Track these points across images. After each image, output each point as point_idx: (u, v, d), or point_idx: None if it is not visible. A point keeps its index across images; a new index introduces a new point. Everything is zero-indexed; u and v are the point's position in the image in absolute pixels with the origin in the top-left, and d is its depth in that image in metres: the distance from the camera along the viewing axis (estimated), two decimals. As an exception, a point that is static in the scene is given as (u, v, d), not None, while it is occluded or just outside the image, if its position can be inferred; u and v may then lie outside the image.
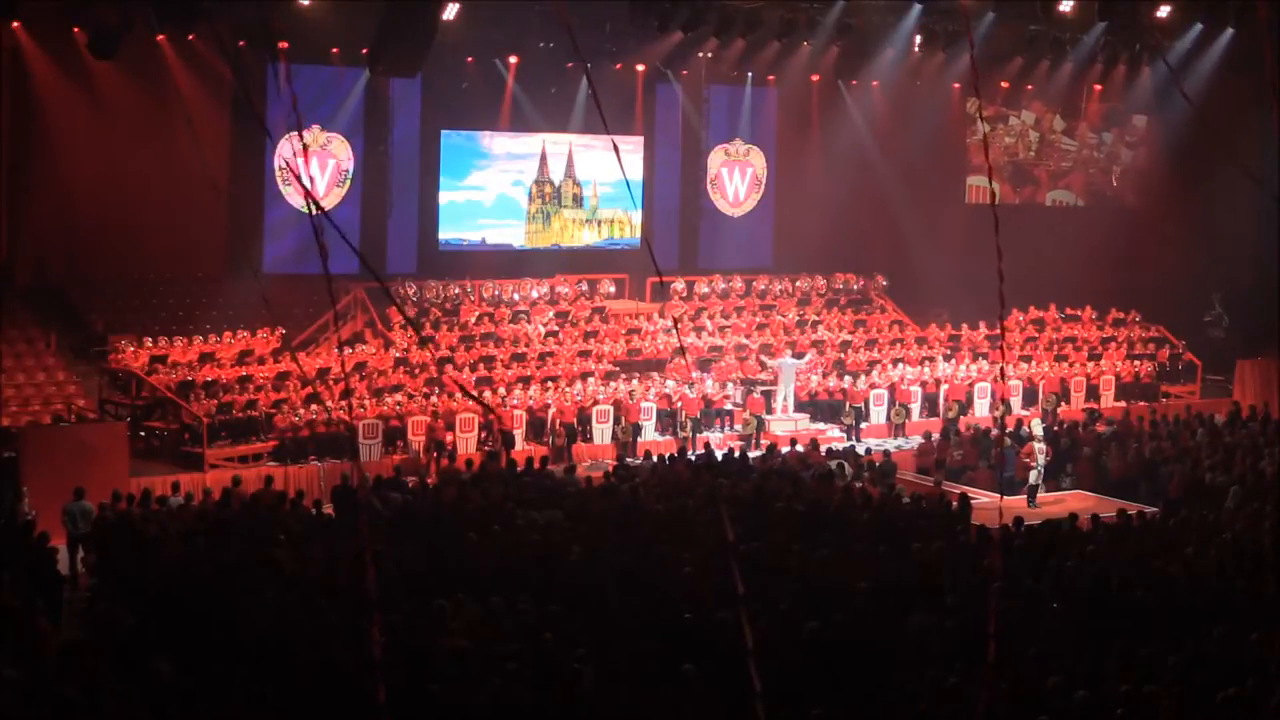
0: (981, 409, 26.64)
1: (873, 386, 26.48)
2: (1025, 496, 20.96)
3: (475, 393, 23.98)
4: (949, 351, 28.80)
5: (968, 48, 29.64)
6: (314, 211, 5.86)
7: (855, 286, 32.01)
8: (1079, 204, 35.66)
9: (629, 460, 22.47)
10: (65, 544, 17.07)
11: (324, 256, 5.69)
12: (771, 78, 32.04)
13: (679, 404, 25.09)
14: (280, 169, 27.53)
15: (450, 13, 25.79)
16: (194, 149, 24.02)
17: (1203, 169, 30.53)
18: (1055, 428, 24.21)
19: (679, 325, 28.43)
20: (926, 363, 28.00)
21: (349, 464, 21.62)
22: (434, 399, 23.77)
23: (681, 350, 25.40)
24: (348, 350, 25.61)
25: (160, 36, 25.36)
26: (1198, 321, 32.39)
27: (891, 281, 32.28)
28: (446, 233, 30.14)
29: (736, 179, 32.98)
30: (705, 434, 24.77)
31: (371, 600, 6.02)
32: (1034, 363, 28.24)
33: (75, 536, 17.19)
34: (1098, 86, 33.79)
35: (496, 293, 28.70)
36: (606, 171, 31.20)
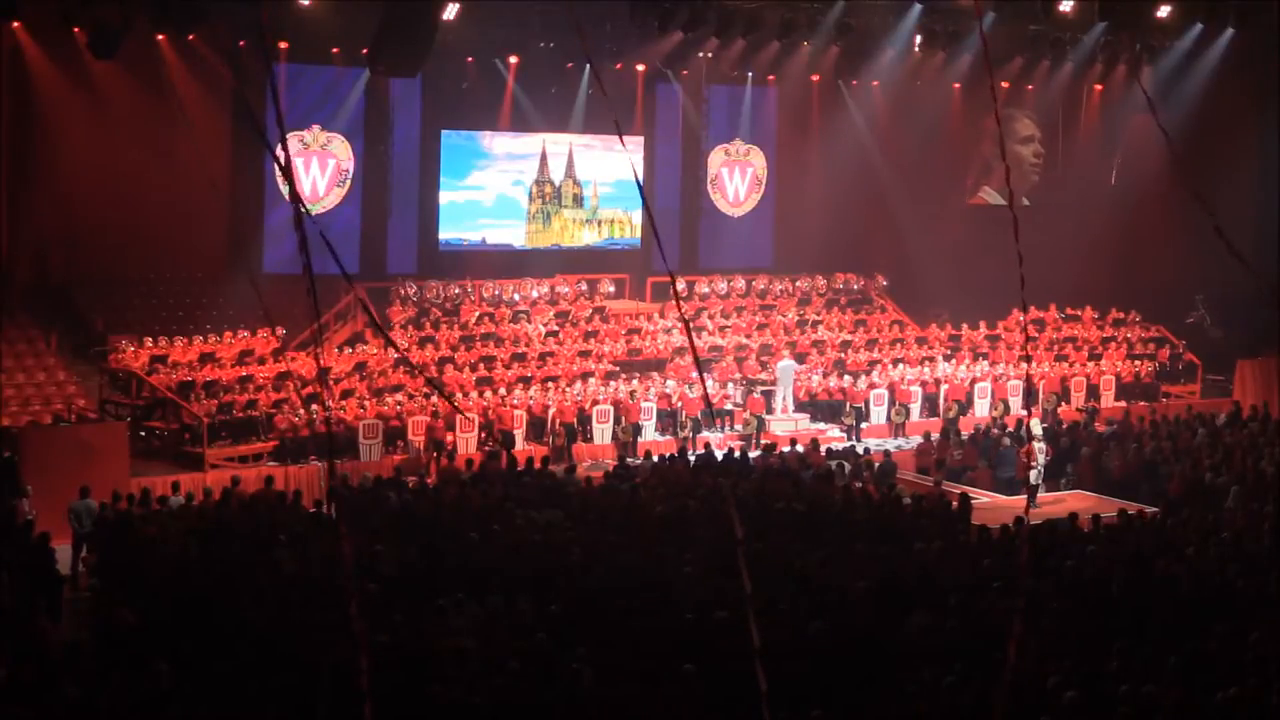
0: (981, 409, 26.64)
1: (873, 386, 26.48)
2: (1025, 496, 20.94)
3: (472, 392, 23.99)
4: (949, 351, 28.81)
5: (968, 48, 29.64)
6: (305, 215, 5.85)
7: (855, 286, 32.00)
8: (1075, 203, 35.59)
9: (629, 460, 22.46)
10: (70, 543, 17.06)
11: (306, 258, 5.69)
12: (771, 78, 32.04)
13: (679, 404, 25.10)
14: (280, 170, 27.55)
15: (450, 13, 25.79)
16: (194, 149, 24.02)
17: (1202, 169, 30.46)
18: (1055, 428, 24.21)
19: (689, 323, 28.37)
20: (926, 363, 28.00)
21: (349, 463, 21.64)
22: (434, 399, 23.77)
23: (692, 349, 25.34)
24: (346, 350, 25.63)
25: (160, 36, 25.40)
26: (1192, 322, 32.38)
27: (891, 281, 32.27)
28: (446, 233, 30.15)
29: (736, 179, 32.98)
30: (705, 434, 24.78)
31: (351, 600, 5.98)
32: (1034, 363, 28.22)
33: (80, 535, 17.16)
34: (1098, 86, 33.77)
35: (497, 293, 28.70)
36: (606, 171, 31.23)
